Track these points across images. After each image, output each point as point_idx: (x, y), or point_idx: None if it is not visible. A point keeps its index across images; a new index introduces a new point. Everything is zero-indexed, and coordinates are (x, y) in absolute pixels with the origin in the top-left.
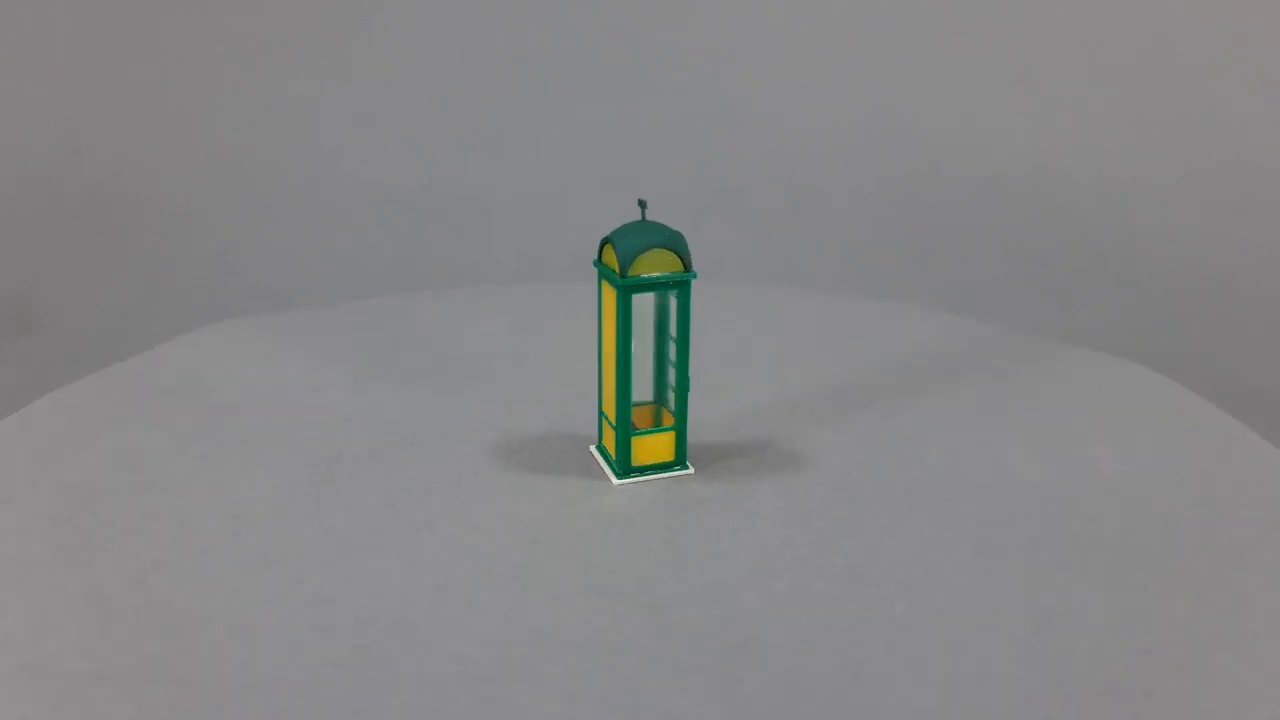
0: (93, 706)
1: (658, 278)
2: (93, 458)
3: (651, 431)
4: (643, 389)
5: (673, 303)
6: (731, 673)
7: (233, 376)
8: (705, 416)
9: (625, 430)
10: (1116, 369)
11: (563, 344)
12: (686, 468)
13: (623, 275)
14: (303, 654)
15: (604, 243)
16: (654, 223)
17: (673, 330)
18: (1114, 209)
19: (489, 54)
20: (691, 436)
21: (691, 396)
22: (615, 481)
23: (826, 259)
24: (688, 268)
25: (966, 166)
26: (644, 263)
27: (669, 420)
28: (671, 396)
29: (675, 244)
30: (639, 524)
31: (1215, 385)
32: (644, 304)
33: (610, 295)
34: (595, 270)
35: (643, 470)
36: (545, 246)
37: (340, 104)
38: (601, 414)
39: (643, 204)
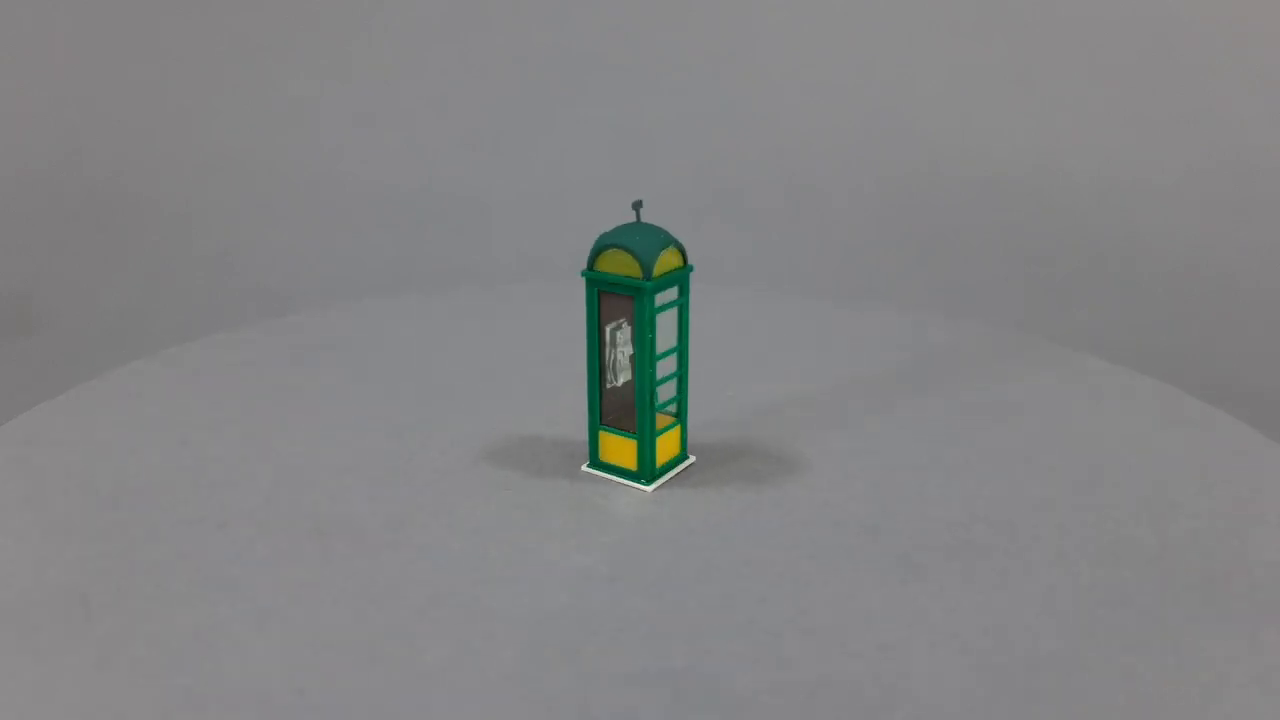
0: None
1: (612, 277)
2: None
3: (614, 431)
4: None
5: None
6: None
7: (212, 387)
8: (706, 416)
9: (652, 436)
10: (1115, 371)
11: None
12: (689, 457)
13: (648, 278)
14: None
15: (601, 249)
16: (647, 224)
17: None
18: (1114, 209)
19: (489, 54)
20: (692, 436)
21: (691, 397)
22: (648, 489)
23: (826, 259)
24: (646, 275)
25: (966, 166)
26: (608, 260)
27: (663, 420)
28: (660, 392)
29: (638, 249)
30: (729, 529)
31: (1215, 385)
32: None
33: (612, 302)
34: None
35: (607, 469)
36: (545, 246)
37: (340, 104)
38: (600, 428)
39: (637, 205)
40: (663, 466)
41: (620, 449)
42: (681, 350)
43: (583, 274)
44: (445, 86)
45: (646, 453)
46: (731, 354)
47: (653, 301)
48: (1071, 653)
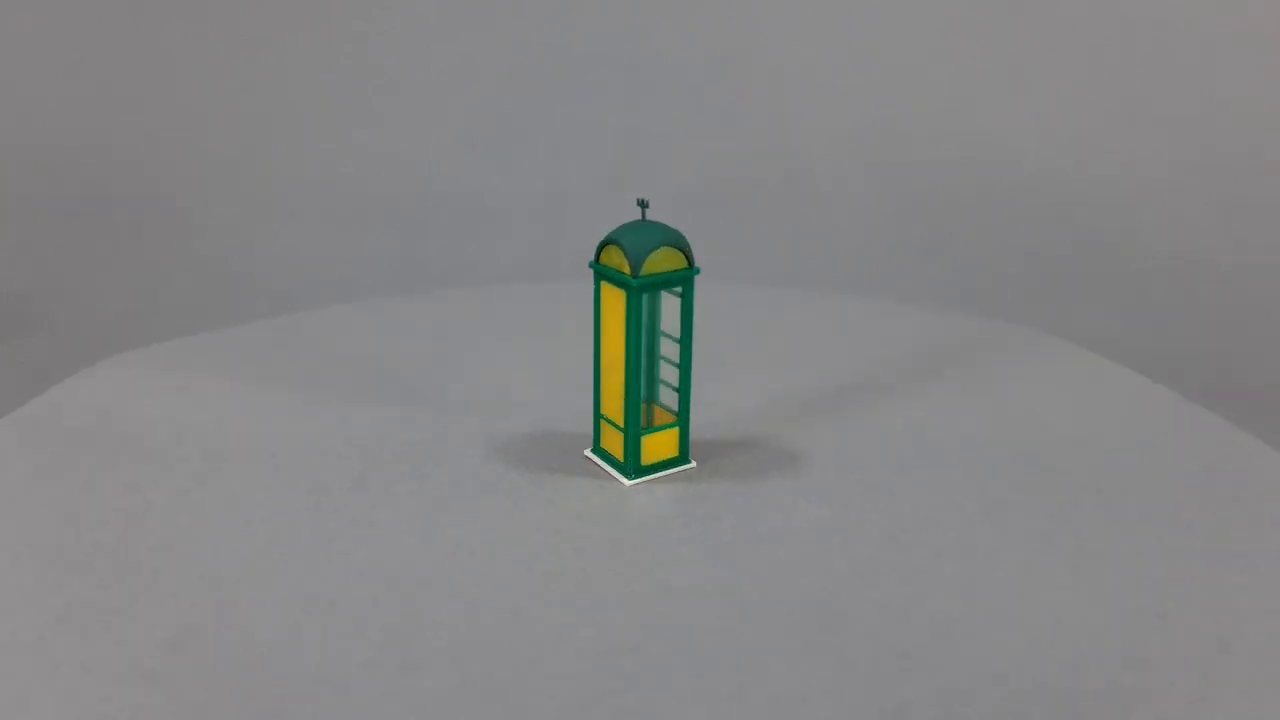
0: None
1: (666, 275)
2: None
3: (660, 429)
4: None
5: (665, 300)
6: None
7: (208, 401)
8: (705, 416)
9: (635, 431)
10: (1114, 370)
11: (546, 344)
12: (689, 462)
13: (635, 275)
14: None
15: (604, 244)
16: (654, 222)
17: (673, 328)
18: (1114, 209)
19: (489, 54)
20: (693, 435)
21: (692, 396)
22: (627, 483)
23: (826, 258)
24: (692, 263)
25: (966, 166)
26: (657, 261)
27: (664, 418)
28: (663, 391)
29: (679, 241)
30: (673, 522)
31: (1214, 385)
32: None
33: (613, 296)
34: (592, 272)
35: (651, 469)
36: (545, 246)
37: (340, 104)
38: (600, 417)
39: (643, 203)
40: (652, 465)
41: (614, 440)
42: (684, 353)
43: (590, 265)
44: (445, 86)
45: (630, 447)
46: (730, 353)
47: (638, 299)
48: (1072, 658)
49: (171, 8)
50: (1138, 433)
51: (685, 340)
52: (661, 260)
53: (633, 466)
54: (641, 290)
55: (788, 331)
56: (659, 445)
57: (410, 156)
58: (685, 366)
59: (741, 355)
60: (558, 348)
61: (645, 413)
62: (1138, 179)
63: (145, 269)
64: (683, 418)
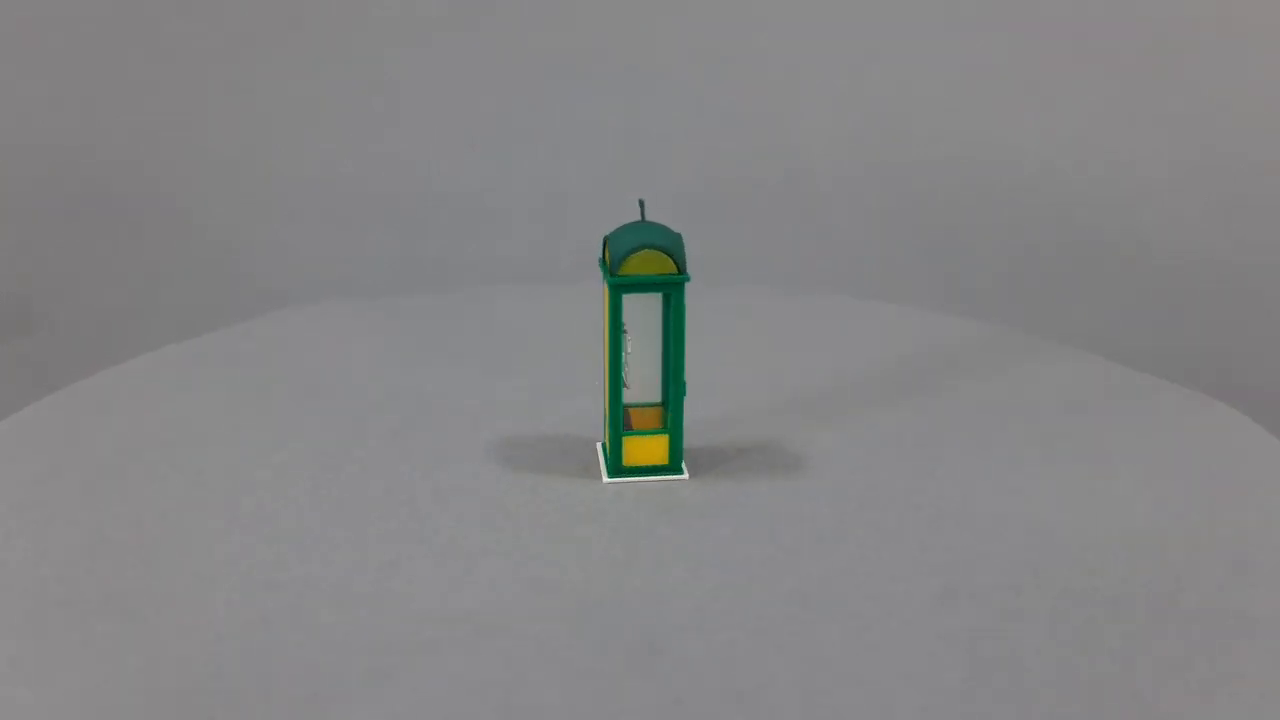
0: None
1: (647, 278)
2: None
3: (642, 433)
4: (650, 390)
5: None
6: (630, 677)
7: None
8: (703, 417)
9: (616, 429)
10: (1114, 370)
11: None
12: (681, 473)
13: (613, 273)
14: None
15: (605, 240)
16: (655, 223)
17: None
18: (1114, 209)
19: (489, 54)
20: (687, 438)
21: (688, 398)
22: (604, 480)
23: (825, 259)
24: (681, 270)
25: (966, 166)
26: (636, 262)
27: (654, 423)
28: (660, 394)
29: (669, 245)
30: (605, 521)
31: (1214, 385)
32: (647, 304)
33: (607, 293)
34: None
35: (634, 471)
36: (545, 246)
37: (340, 104)
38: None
39: (642, 204)
40: (635, 468)
41: (647, 448)
42: (672, 360)
43: (609, 280)
44: (445, 86)
45: (612, 448)
46: (730, 352)
47: (617, 297)
48: (1073, 656)
49: (171, 7)
50: (1138, 432)
51: (676, 349)
52: (644, 262)
53: (613, 465)
54: (619, 289)
55: (788, 332)
56: (647, 449)
57: (410, 156)
58: (676, 374)
59: (741, 356)
60: (558, 348)
61: (661, 417)
62: (1138, 179)
63: (145, 269)
64: (673, 426)
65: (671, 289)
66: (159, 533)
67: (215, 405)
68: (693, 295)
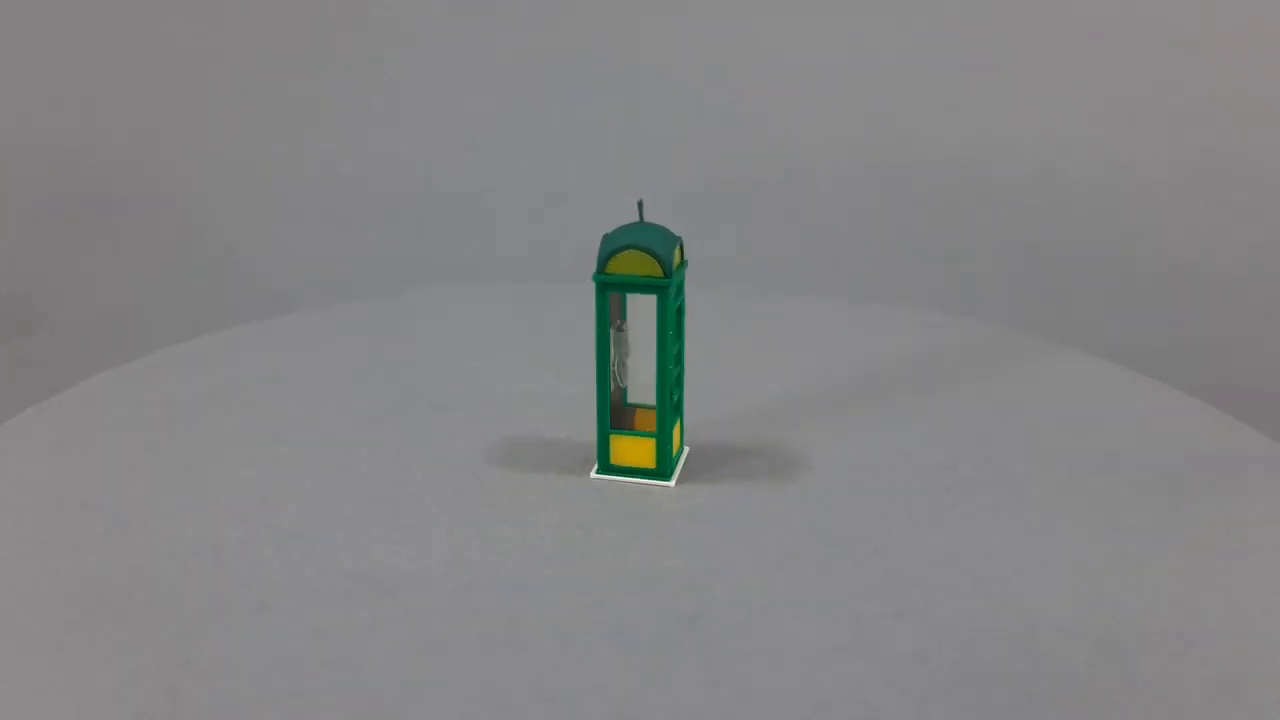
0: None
1: (630, 278)
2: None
3: (628, 433)
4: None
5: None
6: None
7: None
8: (703, 418)
9: (603, 427)
10: (1114, 369)
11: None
12: (668, 478)
13: (598, 271)
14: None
15: (604, 239)
16: (653, 225)
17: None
18: (1114, 209)
19: (489, 54)
20: (686, 435)
21: (687, 400)
22: (592, 475)
23: (825, 259)
24: (667, 273)
25: (966, 166)
26: (621, 262)
27: (647, 425)
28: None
29: (654, 246)
30: (566, 515)
31: (1215, 385)
32: (649, 305)
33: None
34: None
35: (621, 471)
36: (545, 246)
37: (340, 104)
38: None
39: (641, 205)
40: (622, 467)
41: (633, 450)
42: (666, 363)
43: (595, 278)
44: (445, 86)
45: (600, 446)
46: (728, 352)
47: (603, 296)
48: (1076, 641)
49: (171, 7)
50: (1139, 429)
51: (669, 350)
52: (630, 263)
53: (601, 462)
54: (605, 288)
55: (787, 332)
56: (633, 451)
57: (410, 156)
58: (664, 376)
59: (740, 356)
60: (558, 348)
61: (644, 415)
62: (1138, 179)
63: (145, 269)
64: (660, 429)
65: (656, 291)
66: (159, 532)
67: (215, 405)
68: (692, 295)
